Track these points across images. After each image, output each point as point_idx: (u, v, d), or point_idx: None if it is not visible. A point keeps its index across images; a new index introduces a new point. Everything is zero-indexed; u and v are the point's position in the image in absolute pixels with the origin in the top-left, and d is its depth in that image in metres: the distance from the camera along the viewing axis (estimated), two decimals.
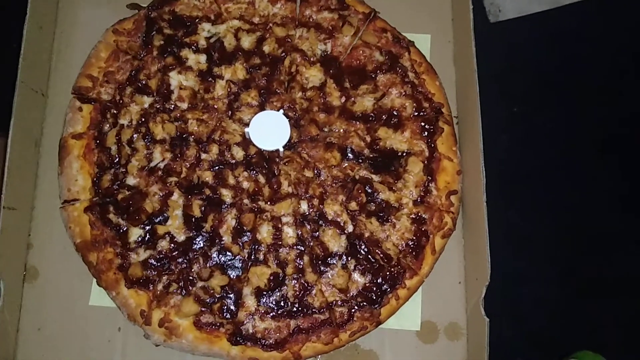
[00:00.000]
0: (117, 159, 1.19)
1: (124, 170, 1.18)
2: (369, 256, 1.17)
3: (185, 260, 1.15)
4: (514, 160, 1.39)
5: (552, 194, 1.41)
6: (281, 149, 1.21)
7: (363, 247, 1.17)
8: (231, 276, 1.15)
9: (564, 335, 1.31)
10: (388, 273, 1.16)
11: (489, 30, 1.45)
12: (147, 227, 1.15)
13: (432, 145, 1.23)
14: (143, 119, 1.21)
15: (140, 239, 1.15)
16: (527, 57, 1.49)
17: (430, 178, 1.21)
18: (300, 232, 1.17)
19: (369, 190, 1.20)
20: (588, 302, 1.34)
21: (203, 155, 1.20)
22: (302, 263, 1.16)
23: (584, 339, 1.29)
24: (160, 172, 1.19)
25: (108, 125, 1.21)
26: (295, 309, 1.14)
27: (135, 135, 1.20)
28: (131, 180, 1.18)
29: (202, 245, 1.16)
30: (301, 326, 1.12)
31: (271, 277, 1.15)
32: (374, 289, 1.15)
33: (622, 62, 1.50)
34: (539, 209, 1.40)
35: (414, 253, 1.17)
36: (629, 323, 1.33)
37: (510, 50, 1.47)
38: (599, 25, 1.51)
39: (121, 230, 1.15)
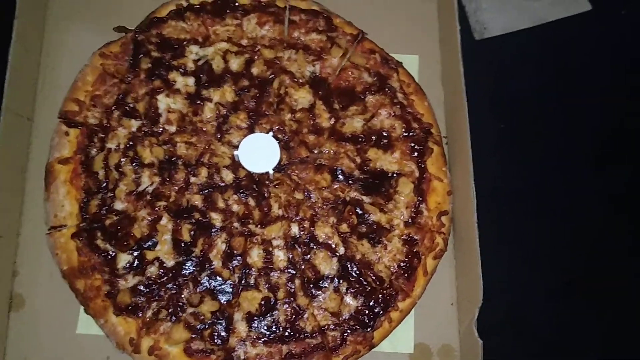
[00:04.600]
0: (104, 184, 1.17)
1: (112, 195, 1.16)
2: (361, 278, 1.15)
3: (175, 286, 1.12)
4: (507, 178, 1.38)
5: (546, 210, 1.40)
6: (271, 172, 1.20)
7: (355, 269, 1.15)
8: (222, 301, 1.12)
9: (566, 349, 1.30)
10: (380, 295, 1.14)
11: (476, 47, 1.45)
12: (136, 253, 1.13)
13: (422, 165, 1.22)
14: (131, 143, 1.19)
15: (128, 264, 1.13)
16: (515, 74, 1.48)
17: (420, 199, 1.20)
18: (291, 255, 1.16)
19: (360, 212, 1.18)
20: (585, 318, 1.33)
21: (192, 179, 1.18)
22: (293, 287, 1.14)
23: (586, 350, 1.29)
24: (148, 197, 1.16)
25: (95, 150, 1.18)
26: (287, 333, 1.12)
27: (123, 160, 1.17)
28: (119, 205, 1.16)
29: (191, 270, 1.14)
30: (293, 351, 1.10)
31: (262, 302, 1.13)
32: (367, 311, 1.14)
33: (610, 77, 1.50)
34: (534, 225, 1.38)
35: (405, 275, 1.16)
36: (630, 332, 1.33)
37: (498, 68, 1.47)
38: (587, 40, 1.51)
39: (109, 257, 1.13)
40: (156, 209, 1.16)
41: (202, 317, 1.11)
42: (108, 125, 1.19)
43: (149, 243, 1.14)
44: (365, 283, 1.15)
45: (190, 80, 1.24)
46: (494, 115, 1.42)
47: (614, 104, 1.49)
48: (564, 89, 1.48)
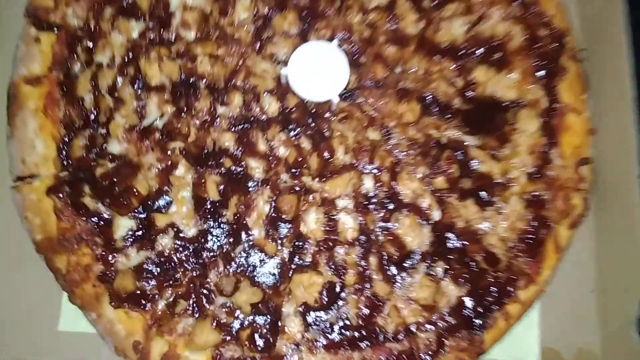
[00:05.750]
0: (93, 115, 1.03)
1: (105, 131, 1.02)
2: (465, 257, 1.00)
3: (198, 266, 0.98)
4: None
5: None
6: (334, 99, 1.03)
7: (456, 243, 1.00)
8: (265, 288, 0.98)
9: None
10: (493, 281, 0.99)
11: None
12: (141, 217, 0.99)
13: (553, 92, 1.05)
14: (131, 55, 1.04)
15: (130, 234, 0.99)
16: None
17: (550, 140, 1.03)
18: (364, 222, 1.00)
19: (463, 159, 1.03)
20: None
21: (220, 109, 1.03)
22: (368, 268, 0.99)
23: None
24: (158, 134, 1.02)
25: (79, 65, 1.04)
26: (359, 335, 0.97)
27: (119, 80, 1.03)
28: (115, 147, 1.02)
29: (222, 242, 0.99)
30: None
31: (324, 289, 0.98)
32: (474, 304, 0.99)
33: None
34: None
35: (529, 251, 1.00)
36: None
37: None
38: None
39: (102, 222, 0.99)
40: (169, 152, 1.02)
41: (238, 311, 0.97)
42: (97, 28, 1.05)
43: (160, 202, 1.00)
44: (471, 263, 1.00)
45: None
46: None
47: None
48: None
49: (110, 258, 0.97)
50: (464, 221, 1.01)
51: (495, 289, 0.98)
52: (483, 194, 1.01)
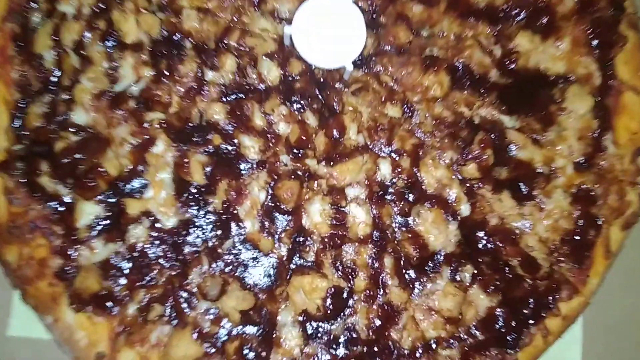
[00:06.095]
0: (55, 77, 0.94)
1: (68, 96, 0.92)
2: (498, 261, 0.93)
3: (178, 263, 0.90)
4: None
5: None
6: (348, 67, 0.94)
7: (487, 244, 0.92)
8: (258, 292, 0.90)
9: None
10: (530, 290, 0.92)
11: None
12: (110, 202, 0.91)
13: (608, 66, 0.98)
14: (103, 5, 0.95)
15: (96, 222, 0.90)
16: None
17: (603, 124, 0.95)
18: (378, 216, 0.92)
19: (498, 144, 0.94)
20: None
21: (209, 75, 0.94)
22: (381, 271, 0.91)
23: None
24: (132, 103, 0.93)
25: (38, 15, 0.96)
26: (369, 350, 0.89)
27: (87, 35, 0.94)
28: (81, 116, 0.92)
29: (207, 235, 0.91)
30: None
31: (328, 295, 0.90)
32: (507, 317, 0.91)
33: None
34: None
35: (574, 256, 0.93)
36: None
37: None
38: None
39: (62, 207, 0.91)
40: (146, 125, 0.92)
41: (225, 320, 0.89)
42: None
43: (134, 185, 0.91)
44: (505, 268, 0.92)
45: None
46: None
47: None
48: None
49: (70, 251, 0.89)
50: (497, 218, 0.93)
51: (533, 300, 0.91)
52: (521, 185, 0.93)
